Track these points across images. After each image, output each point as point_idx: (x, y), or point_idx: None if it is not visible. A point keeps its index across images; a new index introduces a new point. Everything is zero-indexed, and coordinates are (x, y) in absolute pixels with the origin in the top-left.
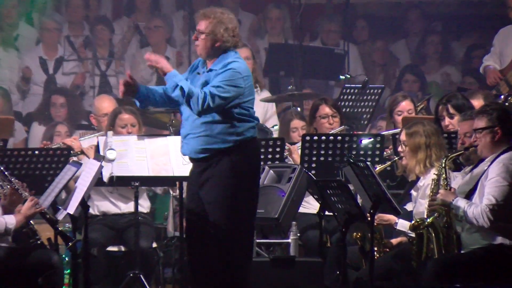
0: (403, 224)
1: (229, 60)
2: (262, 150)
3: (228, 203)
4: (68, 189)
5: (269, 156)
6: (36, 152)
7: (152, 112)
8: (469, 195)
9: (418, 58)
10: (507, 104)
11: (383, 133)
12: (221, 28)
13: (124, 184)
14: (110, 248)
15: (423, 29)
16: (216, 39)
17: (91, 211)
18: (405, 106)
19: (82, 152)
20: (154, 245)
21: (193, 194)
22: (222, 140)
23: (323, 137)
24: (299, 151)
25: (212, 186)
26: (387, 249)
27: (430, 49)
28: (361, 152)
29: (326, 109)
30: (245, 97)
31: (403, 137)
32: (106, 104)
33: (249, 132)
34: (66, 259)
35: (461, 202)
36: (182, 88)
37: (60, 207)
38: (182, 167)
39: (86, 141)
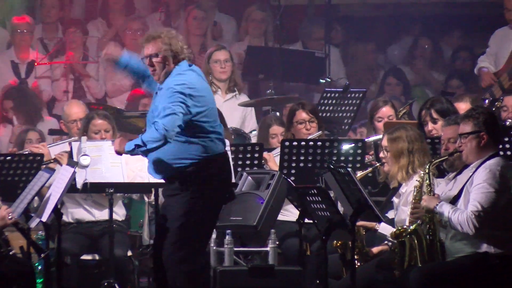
0: (385, 227)
1: (173, 78)
2: (240, 155)
3: (184, 222)
4: (41, 196)
5: (247, 162)
6: (8, 158)
7: (127, 116)
8: (453, 202)
9: (404, 61)
10: (494, 108)
11: (365, 140)
12: (171, 44)
13: (98, 191)
14: (84, 257)
15: (410, 31)
16: (171, 55)
17: (64, 218)
18: (386, 112)
19: (54, 160)
20: (129, 253)
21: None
22: (180, 160)
23: (303, 143)
24: (277, 159)
25: (173, 202)
26: (368, 258)
27: (418, 51)
28: (342, 158)
29: (303, 115)
30: (197, 108)
31: (385, 142)
32: (75, 110)
33: (207, 149)
34: (39, 267)
35: (445, 207)
36: (136, 145)
37: (32, 215)
38: None
39: (57, 148)
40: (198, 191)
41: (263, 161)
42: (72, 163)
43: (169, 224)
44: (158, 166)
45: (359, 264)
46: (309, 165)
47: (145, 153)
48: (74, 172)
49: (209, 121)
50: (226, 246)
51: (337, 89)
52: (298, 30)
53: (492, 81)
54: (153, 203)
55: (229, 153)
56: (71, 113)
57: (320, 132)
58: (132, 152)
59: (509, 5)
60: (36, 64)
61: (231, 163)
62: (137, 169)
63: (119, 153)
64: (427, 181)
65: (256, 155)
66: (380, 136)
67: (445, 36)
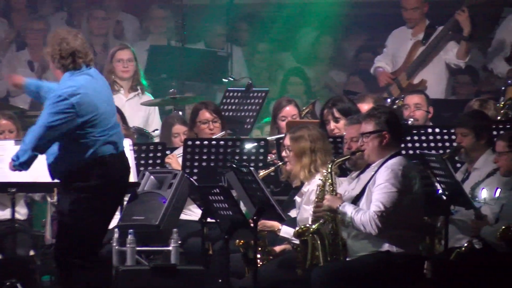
0: (287, 231)
1: (58, 86)
2: (143, 155)
3: (71, 222)
4: None
5: (150, 162)
6: None
7: (31, 116)
8: (356, 201)
9: (307, 60)
10: (395, 107)
11: (267, 139)
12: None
13: (0, 190)
14: None
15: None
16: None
17: None
18: (289, 111)
19: None
20: (32, 253)
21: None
22: (67, 163)
23: (206, 142)
24: (180, 159)
25: (62, 202)
26: (271, 257)
27: (321, 50)
28: (245, 157)
29: (206, 114)
30: (82, 118)
31: (287, 141)
32: None
33: (95, 150)
34: None
35: (348, 208)
36: (15, 156)
37: None
38: None
39: None
40: (85, 192)
41: (166, 164)
42: None
43: (59, 224)
44: (50, 167)
45: (261, 263)
46: (212, 164)
47: (23, 166)
48: None
49: (97, 125)
50: (128, 245)
51: (240, 89)
52: (201, 30)
53: (389, 80)
54: (56, 202)
55: (131, 152)
56: None
57: (224, 132)
58: (17, 167)
59: (406, 4)
60: None
61: (133, 162)
62: (40, 169)
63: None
64: (330, 180)
65: (159, 154)
66: (282, 136)
67: (348, 36)
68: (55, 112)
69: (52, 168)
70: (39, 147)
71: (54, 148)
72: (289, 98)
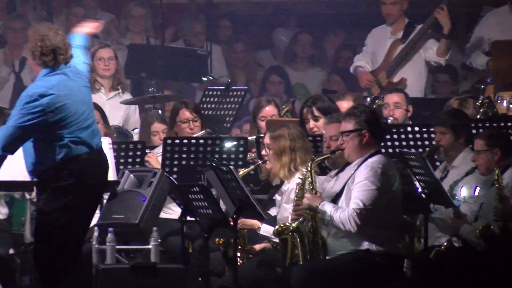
0: (266, 229)
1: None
2: (122, 153)
3: (46, 221)
4: None
5: (130, 160)
6: None
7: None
8: (335, 199)
9: (286, 59)
10: (374, 106)
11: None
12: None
13: None
14: None
15: (292, 28)
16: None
17: None
18: (269, 111)
19: None
20: (11, 251)
21: None
22: (42, 163)
23: (185, 141)
24: (159, 158)
25: (39, 202)
26: (251, 255)
27: (299, 49)
28: (224, 156)
29: (186, 114)
30: (55, 117)
31: (267, 140)
32: None
33: (69, 150)
34: None
35: (327, 206)
36: None
37: None
38: None
39: None
40: (60, 191)
41: (146, 162)
42: None
43: (37, 223)
44: (27, 167)
45: (241, 261)
46: (192, 163)
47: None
48: None
49: (69, 126)
50: (108, 244)
51: (219, 87)
52: (180, 28)
53: (369, 83)
54: (35, 200)
55: (110, 151)
56: None
57: (204, 131)
58: None
59: None
60: None
61: (113, 161)
62: (19, 167)
63: None
64: (309, 179)
65: (138, 153)
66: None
67: (328, 35)
68: (25, 113)
69: (29, 168)
70: (9, 147)
71: (30, 148)
72: (269, 98)
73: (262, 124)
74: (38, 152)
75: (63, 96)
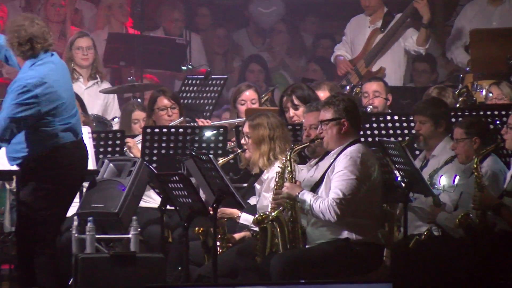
0: (246, 218)
1: (20, 75)
2: (102, 142)
3: (29, 210)
4: None
5: (109, 149)
6: None
7: None
8: (315, 188)
9: (265, 47)
10: (353, 94)
11: (226, 121)
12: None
13: None
14: None
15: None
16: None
17: None
18: (249, 95)
19: None
20: None
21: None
22: (28, 151)
23: (165, 130)
24: (140, 145)
25: (22, 190)
26: (230, 244)
27: (277, 38)
28: (204, 145)
29: (164, 101)
30: (46, 107)
31: (246, 129)
32: None
33: (54, 138)
34: None
35: (307, 196)
36: None
37: None
38: None
39: None
40: (45, 180)
41: (125, 148)
42: None
43: (18, 212)
44: (10, 151)
45: (221, 250)
46: (171, 152)
47: None
48: None
49: (59, 114)
50: (87, 233)
51: (199, 76)
52: (159, 17)
53: (348, 69)
54: (15, 190)
55: (90, 140)
56: None
57: (182, 118)
58: None
59: None
60: None
61: (92, 150)
62: None
63: None
64: (289, 168)
65: (118, 142)
66: (240, 120)
67: (305, 22)
68: (19, 103)
69: (13, 154)
70: (4, 138)
71: (18, 135)
72: (249, 83)
73: (242, 108)
74: (24, 140)
75: (55, 85)
